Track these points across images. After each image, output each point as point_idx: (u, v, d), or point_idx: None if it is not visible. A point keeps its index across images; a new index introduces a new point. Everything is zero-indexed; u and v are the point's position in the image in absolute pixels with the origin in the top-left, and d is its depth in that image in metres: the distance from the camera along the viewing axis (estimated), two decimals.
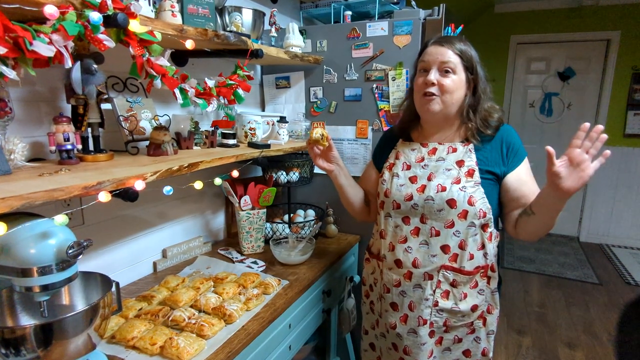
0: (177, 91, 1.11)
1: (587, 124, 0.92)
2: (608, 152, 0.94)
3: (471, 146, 1.17)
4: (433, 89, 1.12)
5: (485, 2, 4.14)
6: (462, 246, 1.15)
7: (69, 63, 0.81)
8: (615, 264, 3.85)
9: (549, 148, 0.92)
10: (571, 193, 0.95)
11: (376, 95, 1.79)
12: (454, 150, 1.18)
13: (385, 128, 1.78)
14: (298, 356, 1.70)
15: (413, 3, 1.85)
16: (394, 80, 1.73)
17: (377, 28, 1.73)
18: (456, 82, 1.12)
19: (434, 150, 1.21)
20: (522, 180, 1.16)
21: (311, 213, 1.95)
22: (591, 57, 4.25)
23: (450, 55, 1.12)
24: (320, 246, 1.77)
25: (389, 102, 1.76)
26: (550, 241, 4.45)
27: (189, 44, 1.12)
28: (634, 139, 4.15)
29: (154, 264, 1.51)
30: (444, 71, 1.12)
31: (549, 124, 4.52)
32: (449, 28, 1.71)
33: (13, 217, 0.78)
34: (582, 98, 4.35)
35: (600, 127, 0.91)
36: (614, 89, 4.14)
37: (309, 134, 1.91)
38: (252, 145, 1.51)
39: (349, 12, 1.89)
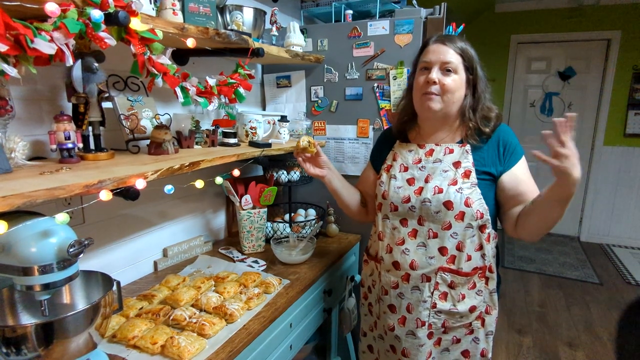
0: (178, 90, 1.11)
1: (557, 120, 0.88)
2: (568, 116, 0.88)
3: (468, 147, 1.16)
4: (434, 89, 1.11)
5: (486, 1, 4.14)
6: (459, 248, 1.14)
7: (70, 61, 0.81)
8: (616, 264, 3.85)
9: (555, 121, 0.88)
10: (574, 179, 0.91)
11: (377, 95, 1.79)
12: (451, 151, 1.18)
13: (387, 127, 1.78)
14: (299, 356, 1.69)
15: (414, 2, 1.84)
16: (395, 79, 1.73)
17: (378, 27, 1.73)
18: (457, 82, 1.12)
19: (431, 152, 1.21)
20: (519, 178, 1.15)
21: (312, 212, 1.94)
22: (592, 57, 4.24)
23: (451, 55, 1.11)
24: (321, 245, 1.77)
25: (390, 101, 1.76)
26: (551, 241, 4.45)
27: (190, 43, 1.11)
28: (634, 139, 4.15)
29: (155, 263, 1.50)
30: (445, 70, 1.11)
31: (549, 124, 4.51)
32: (450, 27, 1.71)
33: (14, 216, 0.78)
34: (583, 98, 4.35)
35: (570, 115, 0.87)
36: (614, 88, 4.14)
37: (310, 132, 1.91)
38: (253, 144, 1.51)
39: (349, 11, 1.89)
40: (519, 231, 1.15)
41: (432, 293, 1.17)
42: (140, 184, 0.90)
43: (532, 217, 1.08)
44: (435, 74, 1.11)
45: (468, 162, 1.15)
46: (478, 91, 1.15)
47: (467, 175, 1.14)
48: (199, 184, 1.14)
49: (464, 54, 1.12)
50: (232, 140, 1.45)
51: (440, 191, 1.13)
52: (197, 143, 1.40)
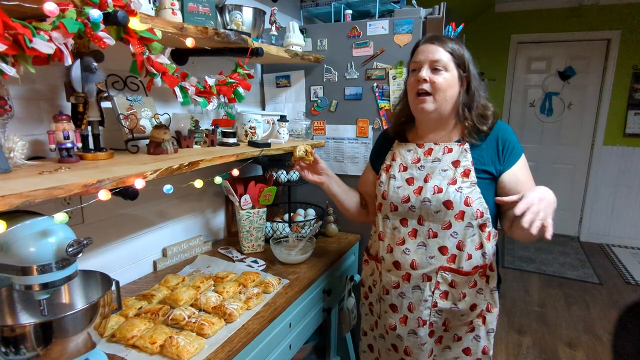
0: (177, 89, 1.11)
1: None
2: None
3: (466, 146, 1.16)
4: (425, 86, 1.11)
5: (486, 1, 4.14)
6: (460, 247, 1.14)
7: (69, 61, 0.81)
8: (616, 264, 3.85)
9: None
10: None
11: (377, 94, 1.79)
12: (450, 150, 1.17)
13: (386, 127, 1.78)
14: (298, 355, 1.69)
15: (414, 2, 1.84)
16: (394, 79, 1.73)
17: (378, 27, 1.73)
18: (448, 80, 1.11)
19: (430, 151, 1.20)
20: (519, 179, 1.15)
21: (311, 212, 1.94)
22: (591, 57, 4.24)
23: (441, 53, 1.11)
24: (321, 245, 1.77)
25: (389, 100, 1.76)
26: (551, 241, 4.44)
27: (189, 42, 1.11)
28: (634, 139, 4.15)
29: (154, 262, 1.50)
30: (436, 69, 1.11)
31: (549, 124, 4.52)
32: (450, 27, 1.71)
33: (13, 215, 0.78)
34: (583, 97, 4.35)
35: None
36: (614, 88, 4.13)
37: (309, 132, 1.91)
38: (252, 144, 1.51)
39: (349, 11, 1.89)
40: (513, 233, 1.16)
41: (433, 292, 1.17)
42: (139, 184, 0.90)
43: (520, 230, 1.09)
44: (425, 72, 1.11)
45: (467, 161, 1.14)
46: (472, 88, 1.14)
47: (466, 174, 1.13)
48: (198, 183, 1.14)
49: (453, 51, 1.12)
50: (232, 140, 1.45)
51: (440, 190, 1.13)
52: (196, 143, 1.40)
